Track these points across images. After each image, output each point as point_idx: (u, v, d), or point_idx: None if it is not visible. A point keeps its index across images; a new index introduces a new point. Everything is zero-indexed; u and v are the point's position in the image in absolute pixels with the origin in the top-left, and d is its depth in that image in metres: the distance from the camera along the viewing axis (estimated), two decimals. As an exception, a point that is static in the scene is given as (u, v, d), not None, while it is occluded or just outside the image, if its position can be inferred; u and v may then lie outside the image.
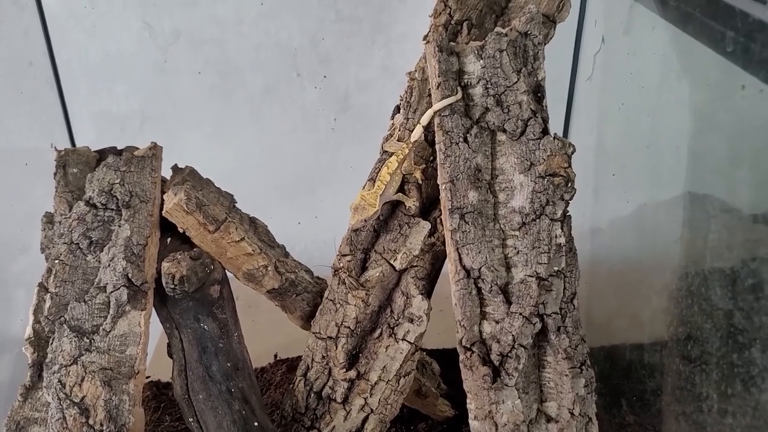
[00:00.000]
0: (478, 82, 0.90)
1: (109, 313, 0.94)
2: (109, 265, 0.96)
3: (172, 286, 0.92)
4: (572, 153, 0.89)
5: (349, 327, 1.01)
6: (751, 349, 0.78)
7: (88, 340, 0.93)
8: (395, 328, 1.00)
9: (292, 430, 1.05)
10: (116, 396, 0.91)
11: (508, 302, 0.90)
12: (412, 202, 0.99)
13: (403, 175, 0.99)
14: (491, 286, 0.90)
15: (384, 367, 1.01)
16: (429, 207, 1.02)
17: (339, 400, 1.03)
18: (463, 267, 0.90)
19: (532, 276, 0.89)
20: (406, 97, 1.02)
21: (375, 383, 1.01)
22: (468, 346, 0.90)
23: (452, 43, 0.92)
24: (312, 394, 1.05)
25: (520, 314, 0.89)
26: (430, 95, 0.95)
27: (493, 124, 0.91)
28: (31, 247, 1.12)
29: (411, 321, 1.00)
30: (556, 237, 0.89)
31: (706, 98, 0.97)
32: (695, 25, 0.89)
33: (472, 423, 0.92)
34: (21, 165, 1.51)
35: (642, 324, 1.17)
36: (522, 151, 0.90)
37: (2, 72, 1.53)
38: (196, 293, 0.95)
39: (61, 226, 1.03)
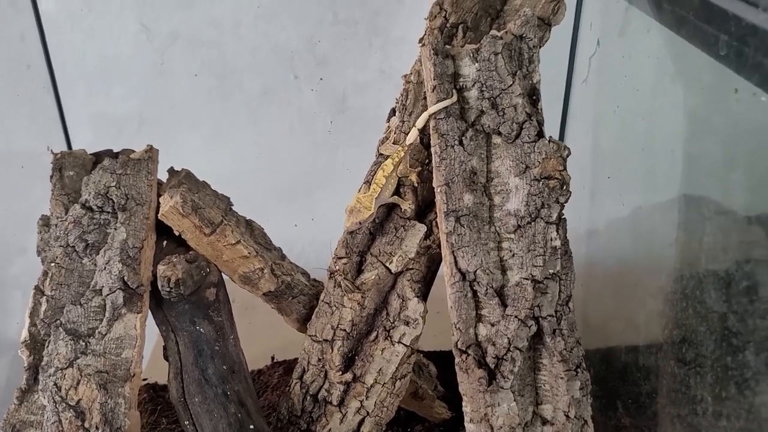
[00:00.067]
0: (473, 85, 0.90)
1: (104, 316, 0.94)
2: (105, 268, 0.96)
3: (168, 289, 0.93)
4: (567, 156, 0.90)
5: (344, 330, 1.01)
6: (745, 351, 0.79)
7: (83, 343, 0.93)
8: (391, 330, 1.00)
9: (288, 432, 1.05)
10: (112, 399, 0.91)
11: (504, 305, 0.90)
12: (407, 205, 1.00)
13: (399, 177, 1.00)
14: (487, 289, 0.90)
15: (380, 369, 1.01)
16: (425, 210, 1.02)
17: (335, 403, 1.03)
18: (459, 270, 0.91)
19: (527, 279, 0.89)
20: (401, 100, 1.02)
21: (371, 386, 1.01)
22: (463, 348, 0.91)
23: (448, 46, 0.92)
24: (308, 397, 1.05)
25: (516, 317, 0.89)
26: (425, 98, 0.95)
27: (489, 127, 0.91)
28: (28, 250, 1.12)
29: (407, 324, 1.00)
30: (551, 240, 0.89)
31: (700, 101, 0.97)
32: (689, 29, 0.89)
33: (468, 426, 0.92)
34: (18, 167, 1.51)
35: (637, 326, 1.17)
36: (517, 154, 0.90)
37: (-1, 74, 1.54)
38: (191, 296, 0.95)
39: (57, 229, 1.03)
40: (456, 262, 0.91)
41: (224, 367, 0.98)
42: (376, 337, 1.02)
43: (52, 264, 0.98)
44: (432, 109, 0.90)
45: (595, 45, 1.42)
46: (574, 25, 1.46)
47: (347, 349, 1.02)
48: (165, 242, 1.05)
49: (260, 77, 1.66)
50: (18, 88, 1.56)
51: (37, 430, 0.96)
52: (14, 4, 1.52)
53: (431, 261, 1.02)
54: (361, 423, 1.03)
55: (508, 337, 0.89)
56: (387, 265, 1.00)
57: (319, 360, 1.04)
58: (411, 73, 1.02)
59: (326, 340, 1.03)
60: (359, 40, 1.61)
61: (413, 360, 1.04)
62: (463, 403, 0.92)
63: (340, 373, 1.01)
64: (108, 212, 1.00)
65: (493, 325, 0.90)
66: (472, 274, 0.90)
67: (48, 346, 0.94)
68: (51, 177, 1.08)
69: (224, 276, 1.04)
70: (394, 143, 1.01)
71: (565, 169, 0.89)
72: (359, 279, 1.02)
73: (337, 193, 1.08)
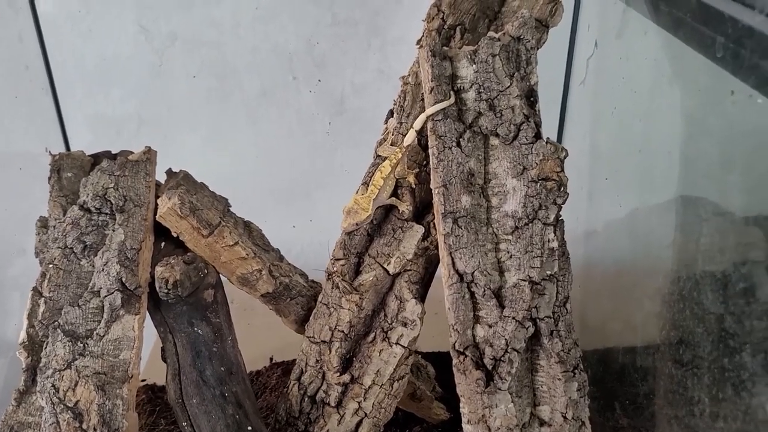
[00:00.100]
0: (470, 87, 0.91)
1: (102, 317, 0.94)
2: (103, 269, 0.96)
3: (166, 291, 0.93)
4: (565, 157, 0.90)
5: (342, 331, 1.01)
6: (742, 353, 0.79)
7: (81, 345, 0.93)
8: (389, 332, 1.01)
9: (286, 434, 1.05)
10: (110, 400, 0.91)
11: (501, 306, 0.90)
12: (405, 207, 1.00)
13: (397, 179, 1.00)
14: (484, 290, 0.90)
15: (378, 371, 1.01)
16: (422, 211, 1.02)
17: (333, 404, 1.03)
18: (456, 271, 0.91)
19: (524, 280, 0.89)
20: (399, 102, 1.03)
21: (369, 387, 1.01)
22: (461, 350, 0.91)
23: (445, 48, 0.92)
24: (306, 398, 1.05)
25: (513, 318, 0.89)
26: (423, 100, 0.95)
27: (486, 128, 0.91)
28: (27, 251, 1.12)
29: (404, 325, 1.00)
30: (548, 241, 0.89)
31: (697, 103, 0.97)
32: (686, 31, 0.90)
33: (466, 427, 0.92)
34: (16, 169, 1.51)
35: (635, 327, 1.17)
36: (515, 156, 0.90)
37: (-2, 75, 1.54)
38: (189, 297, 0.95)
39: (55, 231, 1.03)
40: (453, 263, 0.91)
41: (222, 368, 0.98)
42: (374, 338, 1.02)
43: (50, 265, 0.98)
44: (429, 110, 0.90)
45: (592, 47, 1.43)
46: (572, 26, 1.46)
47: (345, 350, 1.02)
48: (163, 243, 1.05)
49: (259, 78, 1.66)
50: (16, 89, 1.56)
51: (35, 431, 0.96)
52: (13, 5, 1.52)
53: (429, 262, 1.02)
54: (359, 424, 1.03)
55: (505, 339, 0.89)
56: (385, 266, 1.00)
57: (317, 361, 1.04)
58: (409, 75, 1.02)
59: (324, 342, 1.03)
60: (358, 41, 1.61)
61: (411, 361, 1.04)
62: (461, 405, 0.92)
63: (338, 374, 1.01)
64: (106, 214, 1.00)
65: (490, 326, 0.90)
66: (469, 275, 0.90)
67: (46, 348, 0.94)
68: (49, 178, 1.08)
69: (222, 277, 1.04)
70: (391, 145, 1.01)
71: (562, 170, 0.89)
72: (357, 280, 1.02)
73: (336, 194, 1.08)
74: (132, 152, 1.09)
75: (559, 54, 1.50)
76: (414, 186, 1.00)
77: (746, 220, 0.85)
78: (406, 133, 0.97)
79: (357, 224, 0.97)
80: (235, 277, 1.05)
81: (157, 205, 1.03)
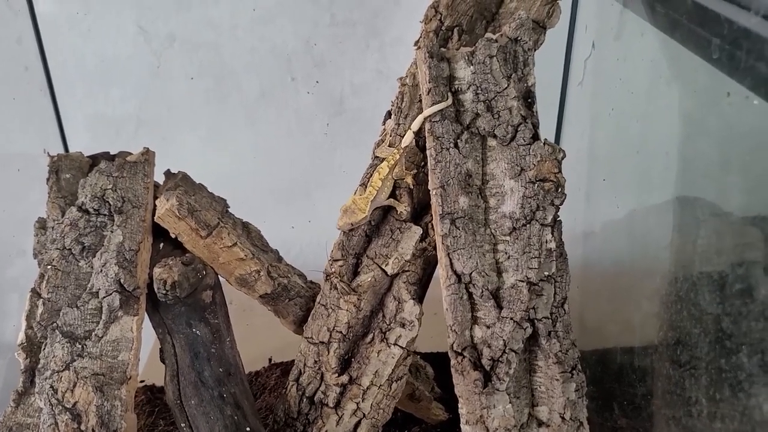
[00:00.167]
0: (468, 88, 0.91)
1: (101, 318, 0.94)
2: (101, 270, 0.96)
3: (164, 292, 0.93)
4: (562, 158, 0.90)
5: (341, 332, 1.01)
6: (739, 353, 0.79)
7: (80, 346, 0.93)
8: (387, 332, 1.01)
9: (284, 434, 1.06)
10: (108, 401, 0.91)
11: (499, 307, 0.90)
12: (403, 207, 1.00)
13: (395, 180, 1.00)
14: (482, 291, 0.90)
15: (376, 371, 1.01)
16: (420, 212, 1.03)
17: (331, 405, 1.03)
18: (454, 272, 0.91)
19: (522, 281, 0.90)
20: (397, 103, 1.03)
21: (367, 388, 1.01)
22: (459, 350, 0.91)
23: (443, 49, 0.92)
24: (304, 399, 1.05)
25: (511, 319, 0.89)
26: (421, 101, 0.95)
27: (484, 129, 0.91)
28: (26, 252, 1.12)
29: (403, 326, 1.00)
30: (546, 242, 0.90)
31: (694, 104, 0.97)
32: (683, 32, 0.90)
33: (464, 428, 0.92)
34: (14, 170, 1.51)
35: (633, 328, 1.17)
36: (512, 157, 0.90)
37: (-3, 77, 1.54)
38: (188, 299, 0.95)
39: (53, 232, 1.03)
40: (451, 264, 0.91)
41: (220, 369, 0.98)
42: (372, 339, 1.02)
43: (49, 266, 0.98)
44: (427, 111, 0.91)
45: (590, 48, 1.43)
46: (570, 28, 1.46)
47: (343, 351, 1.02)
48: (161, 245, 1.05)
49: (257, 79, 1.66)
50: (15, 90, 1.57)
51: (34, 432, 0.96)
52: (11, 7, 1.52)
53: (427, 263, 1.02)
54: (357, 425, 1.03)
55: (503, 339, 0.89)
56: (383, 267, 1.00)
57: (316, 362, 1.04)
58: (406, 76, 1.03)
59: (322, 342, 1.03)
60: (356, 41, 1.62)
61: (409, 362, 1.04)
62: (459, 405, 0.92)
63: (337, 375, 1.01)
64: (104, 215, 1.01)
65: (488, 327, 0.90)
66: (467, 276, 0.90)
67: (44, 349, 0.94)
68: (47, 180, 1.09)
69: (221, 278, 1.04)
70: (389, 146, 1.01)
71: (560, 171, 0.89)
72: (355, 281, 1.02)
73: (334, 195, 1.08)
74: (130, 153, 1.09)
75: (557, 55, 1.50)
76: (412, 187, 1.00)
77: (743, 220, 0.85)
78: (404, 135, 0.97)
79: (353, 224, 0.97)
80: (233, 277, 1.05)
81: (155, 206, 1.03)
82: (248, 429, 0.98)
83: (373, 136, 1.07)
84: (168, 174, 1.09)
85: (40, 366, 0.94)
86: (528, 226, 0.90)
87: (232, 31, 1.60)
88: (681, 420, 0.92)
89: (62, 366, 0.92)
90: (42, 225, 1.08)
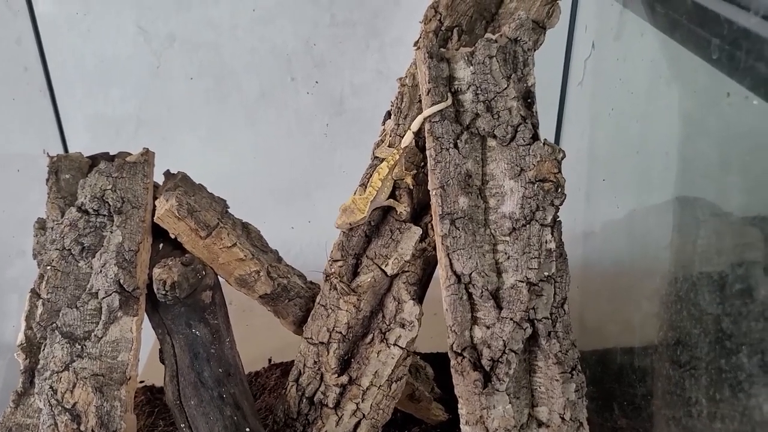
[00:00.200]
0: (468, 88, 0.91)
1: (100, 319, 0.94)
2: (100, 271, 0.96)
3: (164, 292, 0.93)
4: (562, 158, 0.90)
5: (340, 332, 1.01)
6: (739, 353, 0.79)
7: (79, 347, 0.93)
8: (387, 333, 1.01)
9: (284, 435, 1.05)
10: (108, 402, 0.91)
11: (499, 307, 0.90)
12: (403, 208, 1.00)
13: (394, 180, 1.00)
14: (482, 292, 0.90)
15: (376, 372, 1.01)
16: (420, 212, 1.03)
17: (331, 406, 1.03)
18: (454, 272, 0.91)
19: (522, 281, 0.89)
20: (396, 103, 1.03)
21: (367, 388, 1.01)
22: (459, 351, 0.91)
23: (442, 50, 0.92)
24: (304, 400, 1.05)
25: (511, 319, 0.89)
26: (420, 101, 0.95)
27: (484, 129, 0.91)
28: (26, 253, 1.12)
29: (402, 326, 1.00)
30: (546, 242, 0.89)
31: (694, 104, 0.97)
32: (683, 32, 0.90)
33: (464, 428, 0.92)
34: (14, 170, 1.51)
35: (633, 328, 1.17)
36: (512, 157, 0.90)
37: (-4, 77, 1.54)
38: (187, 299, 0.95)
39: (53, 232, 1.03)
40: (451, 264, 0.91)
41: (220, 370, 0.98)
42: (372, 339, 1.02)
43: (48, 267, 0.98)
44: (427, 112, 0.91)
45: (589, 48, 1.43)
46: (569, 28, 1.46)
47: (343, 351, 1.02)
48: (161, 245, 1.05)
49: (257, 79, 1.66)
50: (15, 90, 1.57)
51: (33, 433, 0.96)
52: (11, 7, 1.53)
53: (427, 263, 1.02)
54: (357, 425, 1.03)
55: (503, 340, 0.89)
56: (383, 267, 1.00)
57: (315, 362, 1.04)
58: (406, 76, 1.03)
59: (322, 343, 1.03)
60: (356, 42, 1.62)
61: (409, 362, 1.04)
62: (459, 406, 0.92)
63: (336, 375, 1.01)
64: (104, 215, 1.00)
65: (488, 327, 0.90)
66: (467, 276, 0.90)
67: (44, 350, 0.94)
68: (47, 180, 1.09)
69: (221, 278, 1.04)
70: (389, 146, 1.01)
71: (560, 171, 0.89)
72: (355, 281, 1.02)
73: (334, 195, 1.08)
74: (130, 154, 1.09)
75: (557, 55, 1.50)
76: (412, 187, 1.00)
77: (743, 220, 0.85)
78: (404, 135, 0.97)
79: (351, 224, 0.97)
80: (233, 278, 1.05)
81: (155, 206, 1.03)
82: (248, 429, 0.98)
83: (373, 137, 1.07)
84: (167, 174, 1.09)
85: (39, 366, 0.94)
86: (528, 226, 0.90)
87: (232, 31, 1.60)
88: (681, 420, 0.92)
89: (62, 366, 0.92)
90: (41, 225, 1.08)
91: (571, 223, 1.04)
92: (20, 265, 1.38)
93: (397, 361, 1.01)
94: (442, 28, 0.99)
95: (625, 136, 1.26)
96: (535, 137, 0.90)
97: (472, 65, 0.90)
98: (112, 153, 1.11)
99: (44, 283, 0.98)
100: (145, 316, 0.99)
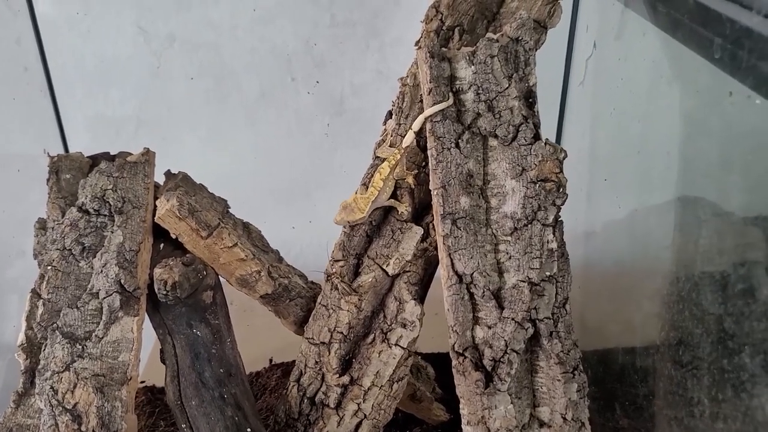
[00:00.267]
0: (469, 88, 0.91)
1: (101, 319, 0.94)
2: (101, 271, 0.96)
3: (165, 293, 0.92)
4: (564, 158, 0.90)
5: (342, 332, 1.01)
6: (741, 353, 0.79)
7: (80, 347, 0.93)
8: (388, 333, 1.01)
9: (285, 435, 1.05)
10: (109, 402, 0.91)
11: (501, 307, 0.90)
12: (404, 208, 1.00)
13: (396, 180, 1.00)
14: (483, 292, 0.90)
15: (377, 372, 1.01)
16: (421, 212, 1.02)
17: (332, 406, 1.03)
18: (456, 272, 0.91)
19: (524, 281, 0.89)
20: (398, 103, 1.02)
21: (368, 388, 1.01)
22: (460, 351, 0.91)
23: (444, 49, 0.92)
24: (305, 400, 1.05)
25: (513, 319, 0.89)
26: (421, 101, 0.95)
27: (485, 129, 0.91)
28: (26, 253, 1.12)
29: (404, 326, 1.00)
30: (547, 242, 0.89)
31: (695, 104, 0.97)
32: (684, 32, 0.90)
33: (465, 428, 0.92)
34: (14, 170, 1.51)
35: (635, 328, 1.17)
36: (514, 157, 0.90)
37: (-4, 77, 1.54)
38: (188, 299, 0.95)
39: (53, 232, 1.03)
40: (453, 264, 0.91)
41: (221, 370, 0.98)
42: (373, 339, 1.02)
43: (49, 267, 0.98)
44: (428, 111, 0.90)
45: (591, 48, 1.43)
46: (571, 27, 1.46)
47: (344, 351, 1.02)
48: (162, 245, 1.05)
49: (257, 79, 1.66)
50: (15, 90, 1.56)
51: (34, 433, 0.96)
52: (11, 7, 1.52)
53: (428, 263, 1.02)
54: (358, 426, 1.03)
55: (505, 340, 0.89)
56: (384, 267, 1.00)
57: (316, 363, 1.04)
58: (407, 76, 1.02)
59: (323, 343, 1.03)
60: (356, 42, 1.61)
61: (410, 362, 1.04)
62: (460, 406, 0.92)
63: (338, 375, 1.01)
64: (105, 215, 1.00)
65: (490, 327, 0.90)
66: (468, 276, 0.90)
67: (45, 350, 0.94)
68: (48, 180, 1.08)
69: (222, 278, 1.04)
70: (390, 146, 1.01)
71: (561, 171, 0.89)
72: (356, 282, 1.02)
73: (335, 195, 1.08)
74: (130, 154, 1.09)
75: (558, 55, 1.50)
76: (413, 187, 1.00)
77: (745, 220, 0.85)
78: (405, 135, 0.97)
79: (349, 222, 0.97)
80: (234, 278, 1.05)
81: (155, 206, 1.03)
82: (249, 430, 0.98)
83: (374, 137, 1.07)
84: (168, 174, 1.09)
85: (40, 367, 0.94)
86: (529, 226, 0.89)
87: (232, 31, 1.60)
88: (683, 420, 0.92)
89: (62, 367, 0.92)
90: (42, 225, 1.08)
91: (573, 222, 1.03)
92: (20, 265, 1.38)
93: (398, 362, 1.01)
94: (444, 28, 0.99)
95: (626, 135, 1.26)
96: (537, 137, 0.90)
97: (473, 65, 0.90)
98: (112, 153, 1.11)
99: (45, 283, 0.97)
100: (146, 316, 0.99)
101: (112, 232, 0.99)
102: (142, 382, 1.39)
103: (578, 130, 1.54)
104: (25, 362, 0.97)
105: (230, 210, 1.08)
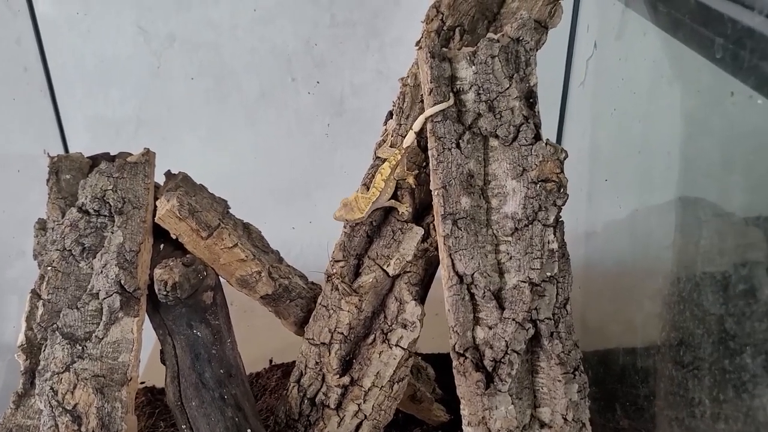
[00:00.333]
0: (470, 88, 0.90)
1: (101, 319, 0.94)
2: (101, 271, 0.96)
3: (165, 293, 0.92)
4: (564, 158, 0.90)
5: (342, 333, 1.01)
6: (743, 354, 0.79)
7: (80, 347, 0.93)
8: (389, 333, 1.00)
9: (285, 436, 1.05)
10: (109, 403, 0.91)
11: (501, 308, 0.90)
12: (405, 208, 0.99)
13: (396, 180, 1.00)
14: (484, 292, 0.90)
15: (377, 372, 1.01)
16: (422, 212, 1.02)
17: (332, 406, 1.02)
18: (456, 273, 0.90)
19: (524, 281, 0.89)
20: (398, 103, 1.02)
21: (368, 389, 1.01)
22: (461, 351, 0.91)
23: (444, 49, 0.92)
24: (305, 401, 1.05)
25: (513, 320, 0.89)
26: (422, 101, 0.95)
27: (486, 129, 0.91)
28: (26, 254, 1.12)
29: (404, 327, 1.00)
30: (548, 243, 0.89)
31: (696, 104, 0.97)
32: (685, 32, 0.89)
33: (466, 429, 0.92)
34: (14, 171, 1.51)
35: (635, 328, 1.17)
36: (514, 157, 0.90)
37: (-4, 77, 1.54)
38: (188, 300, 0.95)
39: (53, 233, 1.03)
40: (453, 265, 0.90)
41: (221, 370, 0.98)
42: (374, 340, 1.01)
43: (49, 267, 0.98)
44: (429, 111, 0.90)
45: (592, 48, 1.43)
46: (571, 27, 1.46)
47: (345, 352, 1.02)
48: (162, 245, 1.05)
49: (258, 79, 1.66)
50: (15, 90, 1.56)
51: (34, 434, 0.96)
52: (11, 7, 1.52)
53: (429, 264, 1.02)
54: (358, 426, 1.03)
55: (505, 340, 0.89)
56: (384, 268, 1.00)
57: (317, 363, 1.04)
58: (408, 76, 1.02)
59: (324, 344, 1.03)
60: (357, 42, 1.61)
61: (411, 363, 1.03)
62: (461, 406, 0.92)
63: (338, 376, 1.01)
64: (105, 216, 1.00)
65: (490, 328, 0.90)
66: (469, 277, 0.90)
67: (45, 350, 0.94)
68: (48, 180, 1.08)
69: (222, 279, 1.04)
70: (391, 146, 1.01)
71: (562, 171, 0.89)
72: (357, 282, 1.01)
73: (335, 195, 1.08)
74: (130, 154, 1.09)
75: (559, 55, 1.50)
76: (413, 187, 1.00)
77: (746, 221, 0.85)
78: (406, 135, 0.97)
79: (348, 220, 0.97)
80: (234, 278, 1.05)
81: (156, 207, 1.03)
82: (249, 430, 0.98)
83: (374, 137, 1.06)
84: (168, 175, 1.08)
85: (40, 367, 0.93)
86: (530, 226, 0.89)
87: (232, 31, 1.60)
88: (684, 421, 0.92)
89: (62, 367, 0.91)
90: (42, 226, 1.08)
91: (573, 223, 1.04)
92: (20, 265, 1.38)
93: (398, 362, 1.00)
94: (444, 28, 0.99)
95: (627, 135, 1.26)
96: (538, 137, 0.90)
97: (474, 65, 0.89)
98: (112, 153, 1.11)
99: (45, 283, 0.97)
100: (146, 316, 0.99)
101: (112, 233, 0.99)
102: (142, 382, 1.39)
103: (579, 130, 1.54)
104: (24, 363, 0.97)
105: (230, 210, 1.08)
